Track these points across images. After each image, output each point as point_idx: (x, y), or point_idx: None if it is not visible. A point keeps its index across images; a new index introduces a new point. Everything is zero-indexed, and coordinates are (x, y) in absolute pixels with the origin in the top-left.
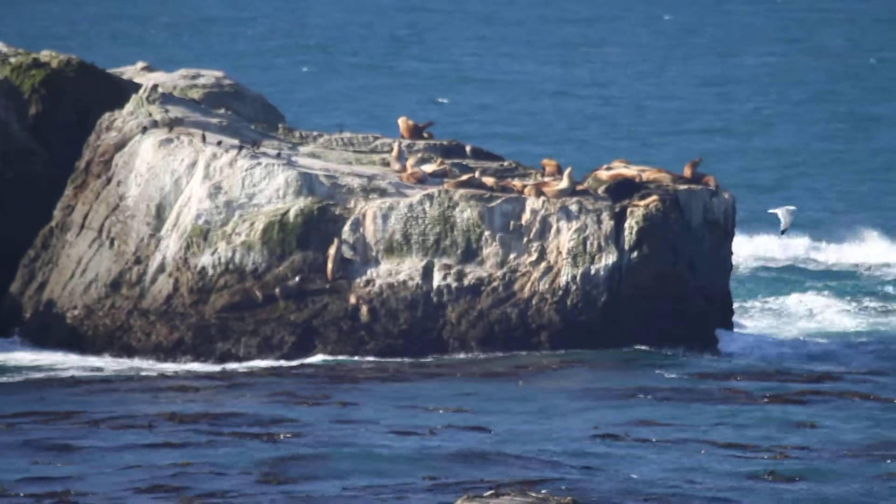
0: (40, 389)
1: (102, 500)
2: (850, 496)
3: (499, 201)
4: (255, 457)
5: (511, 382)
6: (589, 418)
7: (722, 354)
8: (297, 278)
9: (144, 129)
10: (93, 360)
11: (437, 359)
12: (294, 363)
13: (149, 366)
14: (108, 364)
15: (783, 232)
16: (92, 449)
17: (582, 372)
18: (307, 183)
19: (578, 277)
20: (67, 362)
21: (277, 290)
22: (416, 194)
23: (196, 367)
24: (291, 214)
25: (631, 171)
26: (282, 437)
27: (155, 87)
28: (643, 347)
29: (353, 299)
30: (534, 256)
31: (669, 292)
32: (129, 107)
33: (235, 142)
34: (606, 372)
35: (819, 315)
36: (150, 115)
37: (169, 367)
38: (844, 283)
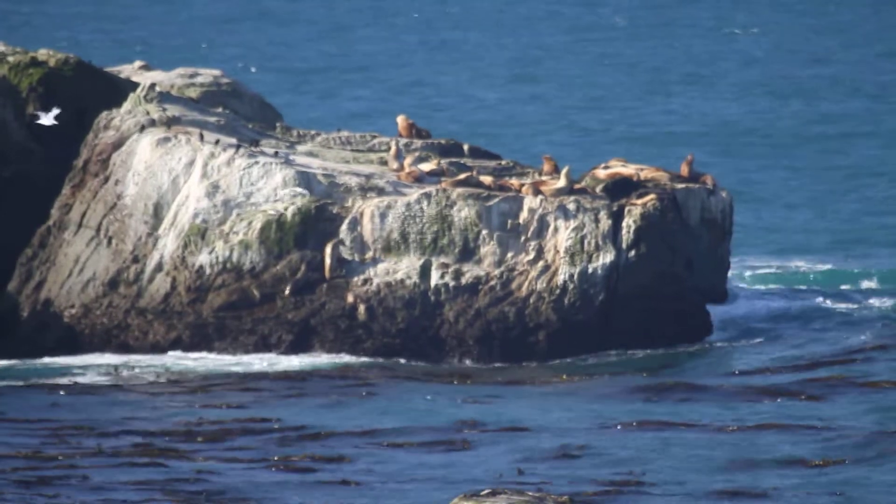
0: (51, 394)
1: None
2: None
3: (496, 200)
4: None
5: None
6: (588, 414)
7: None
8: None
9: (142, 128)
10: (93, 359)
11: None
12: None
13: (150, 364)
14: (111, 362)
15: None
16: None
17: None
18: (305, 182)
19: (576, 276)
20: (74, 363)
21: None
22: (414, 193)
23: (201, 366)
24: (289, 213)
25: (629, 169)
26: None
27: (153, 85)
28: (641, 352)
29: (350, 298)
30: (531, 255)
31: (667, 291)
32: (126, 105)
33: (233, 140)
34: (610, 375)
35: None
36: (148, 113)
37: (172, 366)
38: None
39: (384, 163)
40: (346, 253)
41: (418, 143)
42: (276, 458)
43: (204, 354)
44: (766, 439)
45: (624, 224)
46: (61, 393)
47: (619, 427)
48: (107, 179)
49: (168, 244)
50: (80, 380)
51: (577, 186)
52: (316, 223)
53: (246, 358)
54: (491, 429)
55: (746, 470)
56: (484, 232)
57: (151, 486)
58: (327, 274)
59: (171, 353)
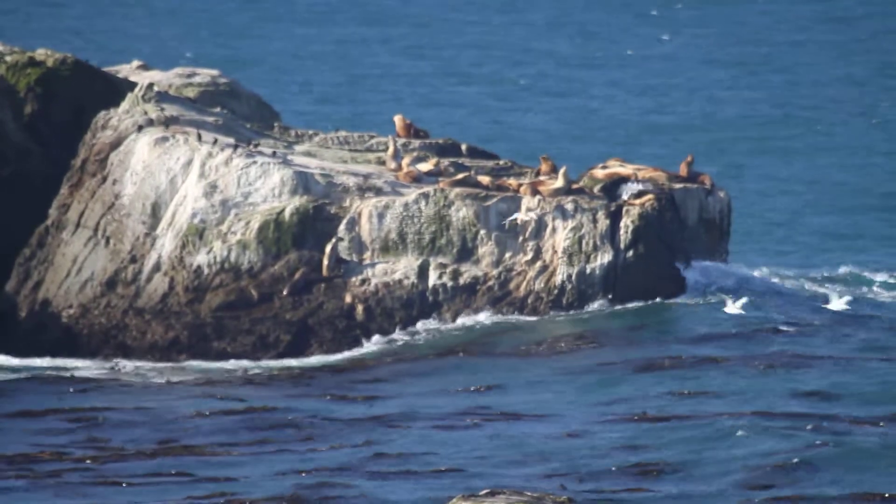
0: (59, 389)
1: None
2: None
3: (494, 200)
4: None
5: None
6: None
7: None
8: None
9: (140, 128)
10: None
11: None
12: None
13: (156, 365)
14: (108, 363)
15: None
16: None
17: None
18: (303, 182)
19: (574, 276)
20: (77, 364)
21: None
22: (412, 193)
23: (199, 365)
24: (287, 213)
25: (627, 169)
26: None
27: (150, 85)
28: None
29: (348, 298)
30: (529, 255)
31: (665, 291)
32: (124, 105)
33: (231, 140)
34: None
35: None
36: (146, 113)
37: (175, 366)
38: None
39: (382, 162)
40: (343, 253)
41: (416, 142)
42: (301, 450)
43: (201, 354)
44: (769, 426)
45: (622, 224)
46: (70, 390)
47: (619, 416)
48: (104, 179)
49: (166, 244)
50: (80, 377)
51: (574, 186)
52: (314, 223)
53: (243, 359)
54: (492, 419)
55: (750, 462)
56: (482, 232)
57: (181, 484)
58: (325, 272)
59: (168, 353)
